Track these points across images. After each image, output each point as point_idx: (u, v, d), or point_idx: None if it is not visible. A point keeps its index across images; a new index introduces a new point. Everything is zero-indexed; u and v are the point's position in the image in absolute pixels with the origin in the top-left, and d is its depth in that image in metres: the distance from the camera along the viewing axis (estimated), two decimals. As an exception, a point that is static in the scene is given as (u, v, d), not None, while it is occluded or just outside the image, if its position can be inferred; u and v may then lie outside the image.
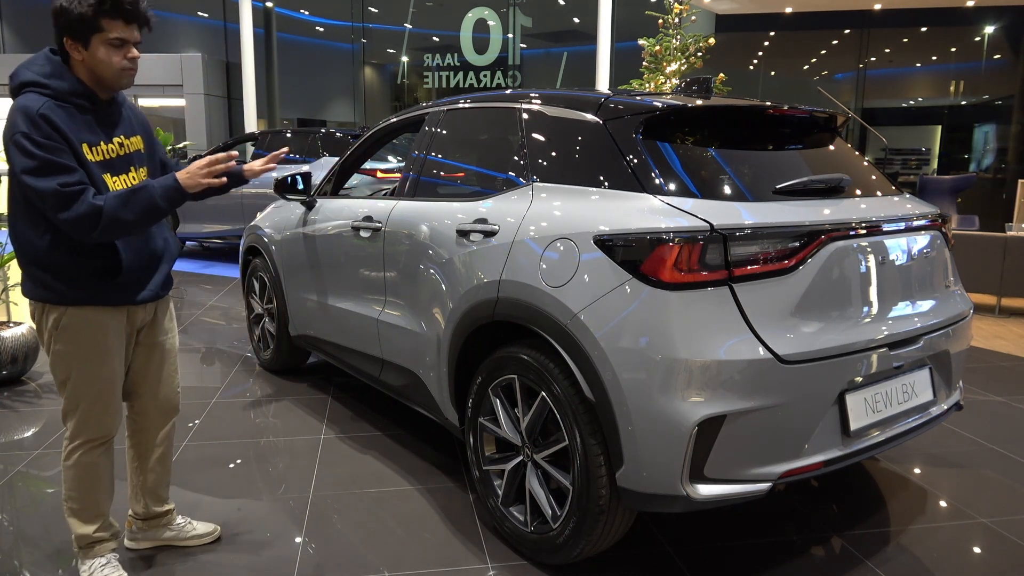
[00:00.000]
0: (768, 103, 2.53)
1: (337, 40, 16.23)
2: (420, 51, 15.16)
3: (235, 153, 2.21)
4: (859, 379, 2.19)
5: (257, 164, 2.40)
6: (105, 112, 2.13)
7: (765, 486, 2.04)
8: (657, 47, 8.49)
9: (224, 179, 2.18)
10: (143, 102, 15.62)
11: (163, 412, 2.41)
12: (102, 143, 2.09)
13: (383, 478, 3.07)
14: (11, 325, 4.24)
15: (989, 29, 13.04)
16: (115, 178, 2.11)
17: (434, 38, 15.34)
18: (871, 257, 2.26)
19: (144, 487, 2.45)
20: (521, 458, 2.46)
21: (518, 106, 2.76)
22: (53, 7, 2.00)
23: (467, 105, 3.11)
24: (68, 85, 2.02)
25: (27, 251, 2.08)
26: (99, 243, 2.06)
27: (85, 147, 2.03)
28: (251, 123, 13.62)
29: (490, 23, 14.57)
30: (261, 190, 8.07)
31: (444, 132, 3.19)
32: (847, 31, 13.85)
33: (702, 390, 1.97)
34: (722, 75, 8.47)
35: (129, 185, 2.13)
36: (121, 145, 2.15)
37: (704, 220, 2.03)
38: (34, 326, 2.20)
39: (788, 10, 13.00)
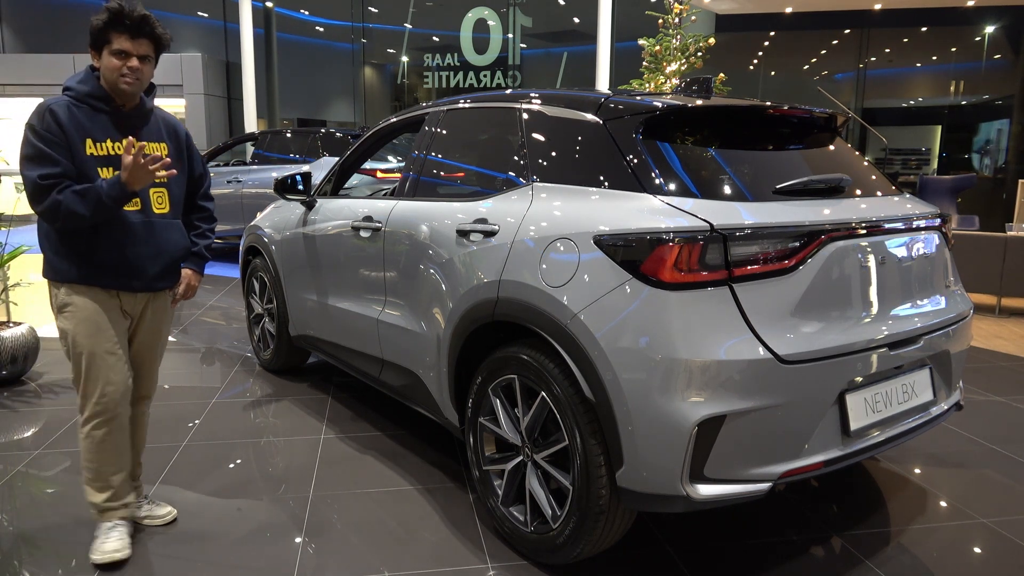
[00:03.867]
0: (768, 103, 2.52)
1: (337, 40, 16.23)
2: (420, 51, 15.16)
3: (142, 145, 2.22)
4: (859, 379, 2.19)
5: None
6: (125, 116, 2.37)
7: (765, 486, 2.04)
8: (657, 47, 8.49)
9: (174, 171, 2.36)
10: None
11: (136, 398, 2.60)
12: (109, 140, 2.33)
13: (383, 478, 3.07)
14: (11, 325, 4.24)
15: (989, 29, 13.03)
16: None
17: (434, 38, 15.34)
18: (871, 257, 2.26)
19: None
20: (521, 458, 2.46)
21: (518, 106, 2.76)
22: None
23: (467, 105, 3.11)
24: (88, 88, 2.31)
25: (39, 235, 2.38)
26: (75, 231, 2.28)
27: (89, 142, 2.28)
28: (251, 123, 13.61)
29: (490, 23, 14.57)
30: (261, 190, 8.08)
31: (444, 132, 3.19)
32: (847, 31, 13.85)
33: (702, 390, 1.97)
34: (722, 75, 8.46)
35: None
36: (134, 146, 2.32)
37: (704, 220, 2.03)
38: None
39: (788, 10, 13.00)
